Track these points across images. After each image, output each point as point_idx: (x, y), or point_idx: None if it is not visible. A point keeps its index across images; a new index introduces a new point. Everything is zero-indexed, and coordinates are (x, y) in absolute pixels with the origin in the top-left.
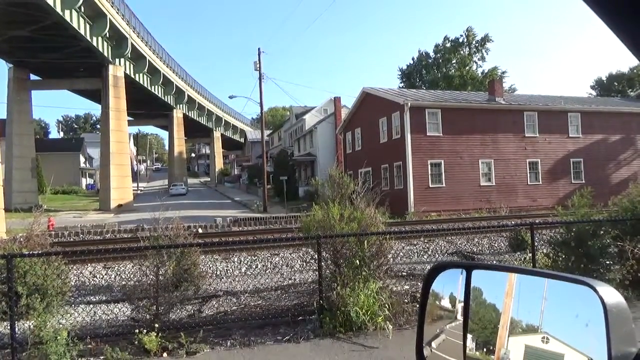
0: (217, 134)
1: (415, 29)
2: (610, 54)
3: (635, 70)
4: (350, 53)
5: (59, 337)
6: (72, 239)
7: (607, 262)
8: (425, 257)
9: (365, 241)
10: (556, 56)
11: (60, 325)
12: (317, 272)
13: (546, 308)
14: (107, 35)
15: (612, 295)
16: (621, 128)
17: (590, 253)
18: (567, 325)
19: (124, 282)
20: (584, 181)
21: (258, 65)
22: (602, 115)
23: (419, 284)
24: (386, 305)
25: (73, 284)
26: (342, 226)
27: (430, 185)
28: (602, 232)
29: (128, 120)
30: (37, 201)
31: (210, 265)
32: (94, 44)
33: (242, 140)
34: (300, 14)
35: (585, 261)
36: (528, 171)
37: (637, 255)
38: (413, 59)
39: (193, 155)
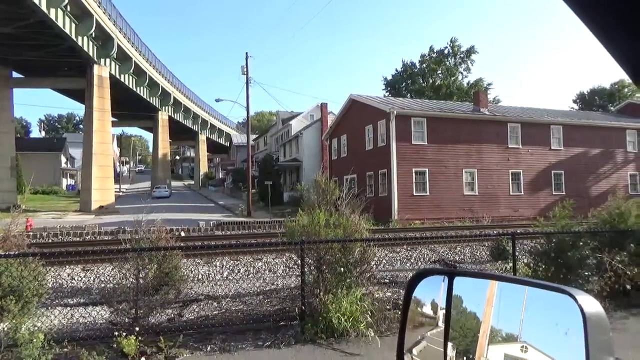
0: (202, 137)
1: (398, 36)
2: (592, 69)
3: (616, 86)
4: (335, 58)
5: (34, 340)
6: (50, 240)
7: (586, 273)
8: (407, 264)
9: (349, 248)
10: (540, 67)
11: (36, 328)
12: (299, 278)
13: (526, 316)
14: (93, 35)
15: (592, 305)
16: (601, 142)
17: (570, 264)
18: (546, 333)
19: (103, 285)
20: (564, 193)
21: (245, 70)
22: (583, 128)
23: (401, 291)
24: (368, 311)
25: (50, 285)
26: (326, 232)
27: (415, 194)
28: (581, 243)
29: (112, 121)
30: (15, 201)
31: (192, 269)
32: (79, 43)
33: (228, 144)
34: (286, 20)
35: (565, 271)
36: (510, 182)
37: (615, 267)
38: (397, 69)
39: (177, 157)
